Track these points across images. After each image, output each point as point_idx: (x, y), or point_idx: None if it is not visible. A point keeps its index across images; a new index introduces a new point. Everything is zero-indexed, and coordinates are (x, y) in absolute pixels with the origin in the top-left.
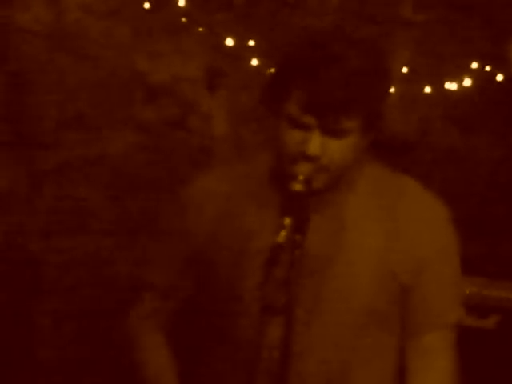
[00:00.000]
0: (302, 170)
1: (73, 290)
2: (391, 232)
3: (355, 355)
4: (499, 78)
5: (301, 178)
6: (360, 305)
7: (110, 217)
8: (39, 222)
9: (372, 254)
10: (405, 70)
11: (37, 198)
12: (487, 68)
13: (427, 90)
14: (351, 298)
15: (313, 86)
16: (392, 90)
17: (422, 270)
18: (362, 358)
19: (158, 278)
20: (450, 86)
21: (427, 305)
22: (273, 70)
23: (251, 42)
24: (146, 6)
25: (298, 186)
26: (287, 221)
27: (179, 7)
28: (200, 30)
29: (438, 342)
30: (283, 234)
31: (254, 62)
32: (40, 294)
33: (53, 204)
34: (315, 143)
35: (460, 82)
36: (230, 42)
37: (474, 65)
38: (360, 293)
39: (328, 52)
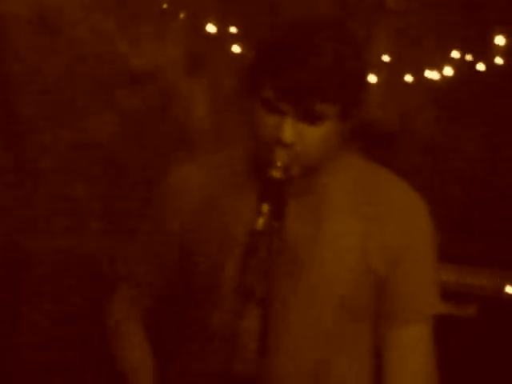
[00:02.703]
0: (280, 156)
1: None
2: (368, 224)
3: (332, 347)
4: (481, 67)
5: (279, 164)
6: (336, 297)
7: (92, 203)
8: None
9: (349, 246)
10: (386, 57)
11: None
12: (468, 57)
13: (408, 78)
14: (328, 290)
15: (286, 73)
16: (373, 78)
17: (398, 262)
18: (338, 349)
19: (135, 268)
20: (431, 74)
21: (403, 297)
22: (252, 56)
23: (233, 29)
24: None
25: (275, 173)
26: (265, 207)
27: None
28: (181, 15)
29: (415, 335)
30: (261, 220)
31: (236, 48)
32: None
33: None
34: (289, 130)
35: (441, 70)
36: (211, 27)
37: (456, 54)
38: (336, 285)
39: (302, 40)
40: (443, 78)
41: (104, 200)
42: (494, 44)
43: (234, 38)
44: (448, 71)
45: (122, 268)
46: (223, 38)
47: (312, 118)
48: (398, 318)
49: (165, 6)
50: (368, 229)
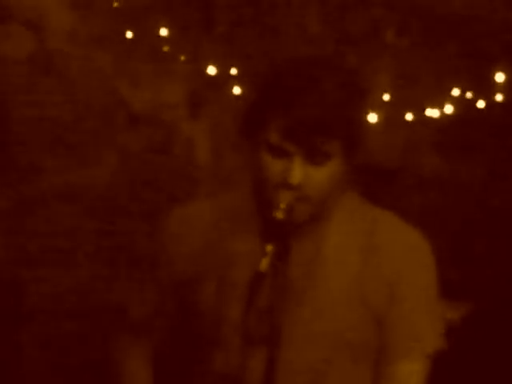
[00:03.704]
0: (284, 198)
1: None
2: (367, 262)
3: None
4: (481, 104)
5: (282, 206)
6: (333, 334)
7: (92, 241)
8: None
9: (348, 285)
10: (386, 96)
11: (23, 222)
12: (469, 94)
13: (409, 116)
14: (324, 328)
15: (291, 113)
16: (374, 116)
17: (395, 298)
18: None
19: (137, 310)
20: (432, 112)
21: (399, 333)
22: (250, 100)
23: (233, 70)
24: (129, 35)
25: (279, 214)
26: (269, 248)
27: (161, 36)
28: (182, 58)
29: (408, 371)
30: (265, 261)
31: (236, 89)
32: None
33: (37, 228)
34: (297, 171)
35: (441, 108)
36: (212, 69)
37: (456, 91)
38: (332, 322)
39: (303, 79)
40: (444, 115)
41: (106, 240)
42: (494, 81)
43: (235, 80)
44: (448, 109)
45: (124, 309)
46: (224, 80)
47: (319, 158)
48: (392, 353)
49: (166, 48)
50: (366, 268)
